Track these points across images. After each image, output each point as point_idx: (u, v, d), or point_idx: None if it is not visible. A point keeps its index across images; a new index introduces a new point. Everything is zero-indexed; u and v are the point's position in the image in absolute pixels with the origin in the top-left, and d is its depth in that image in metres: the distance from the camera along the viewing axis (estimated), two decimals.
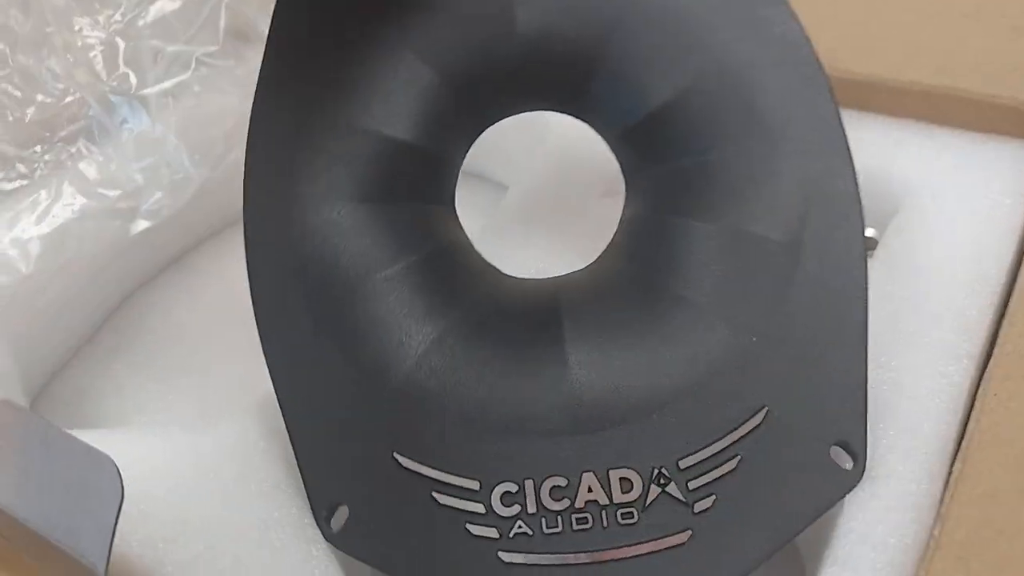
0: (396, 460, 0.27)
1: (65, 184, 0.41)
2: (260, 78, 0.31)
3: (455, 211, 0.33)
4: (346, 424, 0.28)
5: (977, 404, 0.29)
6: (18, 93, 0.41)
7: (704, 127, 0.30)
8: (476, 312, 0.29)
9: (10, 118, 0.40)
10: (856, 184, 0.31)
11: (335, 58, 0.31)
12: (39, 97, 0.41)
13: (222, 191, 0.49)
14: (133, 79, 0.42)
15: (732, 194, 0.30)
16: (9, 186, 0.41)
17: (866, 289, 0.29)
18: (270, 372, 0.30)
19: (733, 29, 0.31)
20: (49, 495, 0.27)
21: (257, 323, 0.30)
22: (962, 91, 0.40)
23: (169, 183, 0.42)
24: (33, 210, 0.40)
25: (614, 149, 0.33)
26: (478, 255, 0.32)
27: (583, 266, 0.32)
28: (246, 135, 0.32)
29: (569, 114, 0.33)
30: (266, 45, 0.31)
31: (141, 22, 0.42)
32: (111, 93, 0.42)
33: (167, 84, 0.42)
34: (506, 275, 0.32)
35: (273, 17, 0.31)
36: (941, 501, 0.27)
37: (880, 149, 0.40)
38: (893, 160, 0.40)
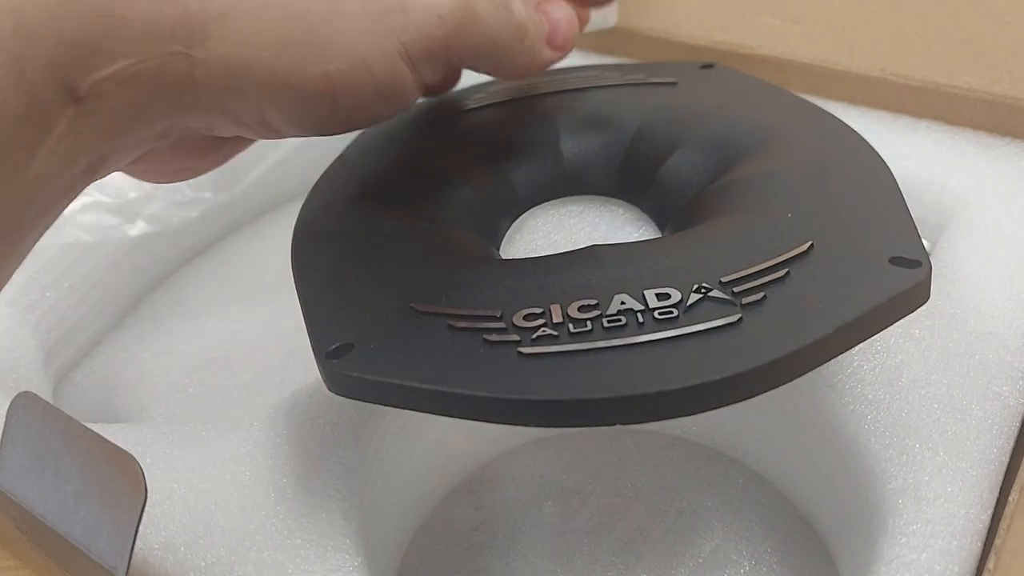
0: (412, 308, 0.27)
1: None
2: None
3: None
4: (366, 275, 0.30)
5: None
6: None
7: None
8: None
9: None
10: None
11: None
12: None
13: (242, 183, 0.50)
14: None
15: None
16: None
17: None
18: (292, 251, 0.32)
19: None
20: (70, 493, 0.28)
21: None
22: (1021, 100, 0.40)
23: (179, 198, 0.43)
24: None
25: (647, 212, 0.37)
26: None
27: None
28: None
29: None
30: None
31: None
32: None
33: None
34: None
35: None
36: (992, 531, 0.27)
37: (934, 158, 0.40)
38: (947, 170, 0.40)
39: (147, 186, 0.44)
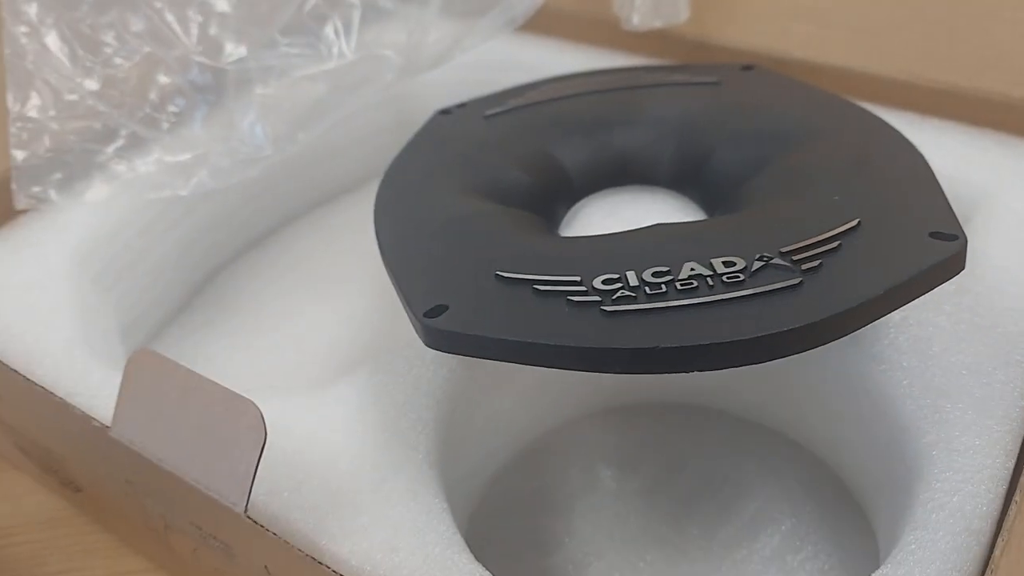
0: (498, 274, 0.31)
1: (150, 145, 0.46)
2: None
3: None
4: (451, 248, 0.34)
5: None
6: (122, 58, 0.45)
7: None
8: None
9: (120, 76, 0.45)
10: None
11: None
12: (136, 58, 0.45)
13: (299, 176, 0.54)
14: (226, 53, 0.46)
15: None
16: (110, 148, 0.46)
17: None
18: (375, 225, 0.37)
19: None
20: (189, 439, 0.32)
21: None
22: None
23: (241, 155, 0.46)
24: (127, 171, 0.45)
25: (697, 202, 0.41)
26: None
27: None
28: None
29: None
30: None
31: (231, 4, 0.47)
32: (200, 62, 0.46)
33: (252, 64, 0.47)
34: None
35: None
36: (1015, 476, 0.31)
37: (958, 156, 0.44)
38: (970, 166, 0.44)
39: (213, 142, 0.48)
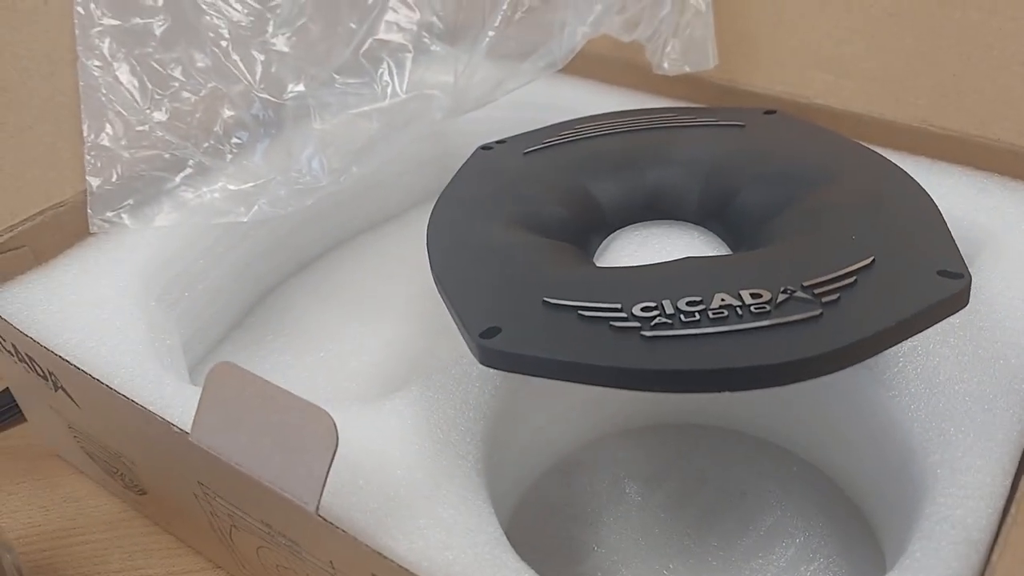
0: (545, 300, 0.35)
1: (215, 174, 0.51)
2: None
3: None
4: (499, 275, 0.38)
5: None
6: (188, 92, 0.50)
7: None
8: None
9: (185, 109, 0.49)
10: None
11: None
12: (202, 92, 0.50)
13: (348, 205, 0.59)
14: (286, 90, 0.51)
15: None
16: (178, 177, 0.50)
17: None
18: (428, 253, 0.41)
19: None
20: (265, 444, 0.36)
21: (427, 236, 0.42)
22: None
23: (299, 186, 0.50)
24: (194, 198, 0.50)
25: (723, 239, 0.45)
26: None
27: None
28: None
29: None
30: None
31: (291, 44, 0.52)
32: (262, 98, 0.51)
33: (310, 100, 0.52)
34: None
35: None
36: (1012, 492, 0.35)
37: (966, 199, 0.48)
38: (977, 209, 0.48)
39: (259, 186, 0.52)
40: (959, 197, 0.49)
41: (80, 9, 0.51)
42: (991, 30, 0.50)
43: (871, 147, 0.46)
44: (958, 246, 0.44)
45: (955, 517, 0.34)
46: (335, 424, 0.34)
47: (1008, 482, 0.35)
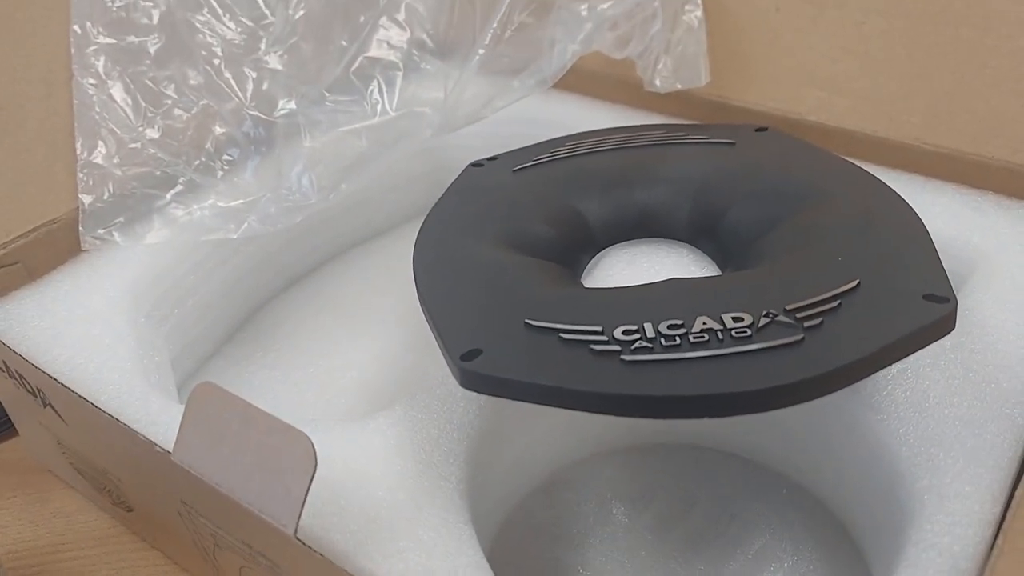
0: (527, 322, 0.34)
1: (206, 191, 0.50)
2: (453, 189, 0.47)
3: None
4: (483, 296, 0.37)
5: None
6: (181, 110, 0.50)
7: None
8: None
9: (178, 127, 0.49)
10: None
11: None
12: (194, 110, 0.50)
13: (338, 220, 0.59)
14: (277, 108, 0.51)
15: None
16: (169, 194, 0.50)
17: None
18: (414, 273, 0.40)
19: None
20: (245, 465, 0.35)
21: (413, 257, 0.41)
22: None
23: (289, 203, 0.50)
24: (184, 215, 0.49)
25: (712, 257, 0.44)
26: None
27: None
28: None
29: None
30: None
31: (283, 62, 0.51)
32: (253, 115, 0.50)
33: (301, 118, 0.51)
34: None
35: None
36: (1003, 519, 0.34)
37: (960, 217, 0.47)
38: (971, 228, 0.47)
39: (263, 190, 0.52)
40: (953, 216, 0.48)
41: (77, 28, 0.50)
42: (984, 48, 0.50)
43: (864, 164, 0.46)
44: (952, 265, 0.43)
45: (942, 545, 0.33)
46: (314, 447, 0.33)
47: (997, 510, 0.34)
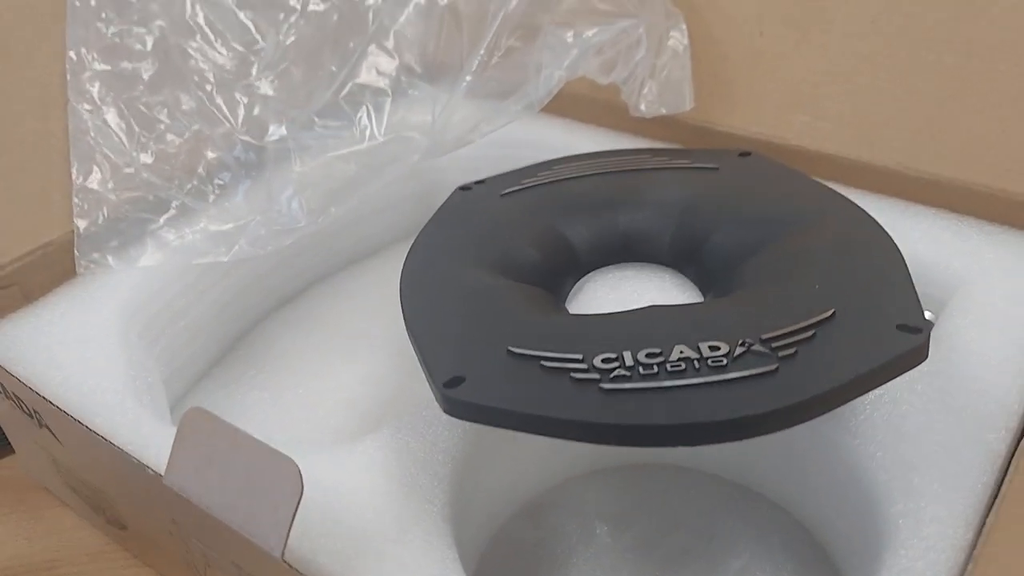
0: (509, 350, 0.35)
1: (198, 215, 0.51)
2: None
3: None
4: (467, 323, 0.38)
5: (1011, 467, 0.36)
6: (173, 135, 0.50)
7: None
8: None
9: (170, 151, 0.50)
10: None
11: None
12: (186, 135, 0.51)
13: (328, 241, 0.59)
14: (268, 133, 0.52)
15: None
16: (162, 218, 0.50)
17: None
18: (401, 299, 0.41)
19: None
20: (234, 489, 0.36)
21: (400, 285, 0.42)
22: (1020, 195, 0.48)
23: (278, 226, 0.50)
24: (176, 239, 0.50)
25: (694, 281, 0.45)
26: None
27: None
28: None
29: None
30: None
31: (273, 87, 0.52)
32: (244, 140, 0.51)
33: (291, 143, 0.52)
34: None
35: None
36: (974, 545, 0.34)
37: (940, 242, 0.48)
38: (952, 253, 0.47)
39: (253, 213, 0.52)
40: (934, 240, 0.48)
41: (72, 55, 0.51)
42: (967, 74, 0.50)
43: (846, 189, 0.46)
44: (932, 290, 0.44)
45: (916, 569, 0.34)
46: (300, 473, 0.34)
47: (970, 535, 0.35)
